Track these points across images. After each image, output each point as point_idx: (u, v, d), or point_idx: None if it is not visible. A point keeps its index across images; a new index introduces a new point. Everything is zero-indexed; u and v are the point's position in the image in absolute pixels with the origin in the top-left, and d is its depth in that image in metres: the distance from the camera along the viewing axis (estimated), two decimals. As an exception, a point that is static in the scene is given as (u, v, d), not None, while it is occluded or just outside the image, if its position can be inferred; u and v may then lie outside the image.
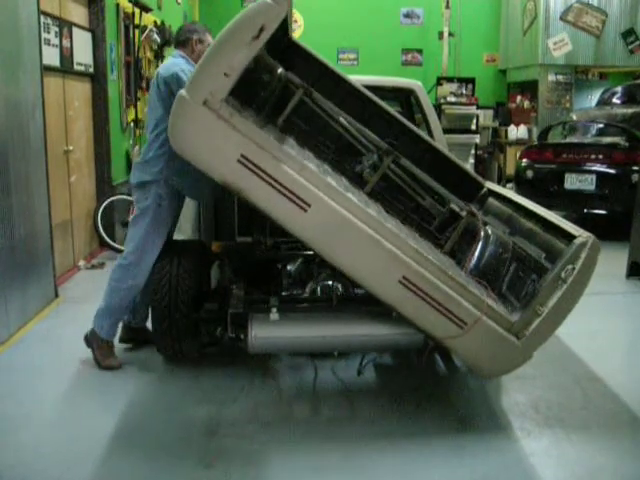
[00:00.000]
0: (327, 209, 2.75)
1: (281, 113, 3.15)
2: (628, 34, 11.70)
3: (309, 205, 2.72)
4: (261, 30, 2.62)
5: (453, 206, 3.66)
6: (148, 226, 3.67)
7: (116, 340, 3.95)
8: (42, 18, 5.04)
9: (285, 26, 3.10)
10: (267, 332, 3.27)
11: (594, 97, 11.48)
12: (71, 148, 5.96)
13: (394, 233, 2.83)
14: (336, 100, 3.56)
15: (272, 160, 2.68)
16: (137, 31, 7.61)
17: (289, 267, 3.83)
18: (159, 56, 8.43)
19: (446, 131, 6.84)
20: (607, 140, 7.96)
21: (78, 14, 6.24)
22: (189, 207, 4.26)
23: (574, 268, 2.86)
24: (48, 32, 5.39)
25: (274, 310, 3.27)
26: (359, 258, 2.83)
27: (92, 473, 2.82)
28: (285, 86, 3.24)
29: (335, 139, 3.65)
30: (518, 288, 3.21)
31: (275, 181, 2.69)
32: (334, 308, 3.47)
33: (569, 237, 3.01)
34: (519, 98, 12.53)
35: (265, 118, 3.08)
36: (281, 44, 3.42)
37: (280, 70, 3.21)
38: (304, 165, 2.75)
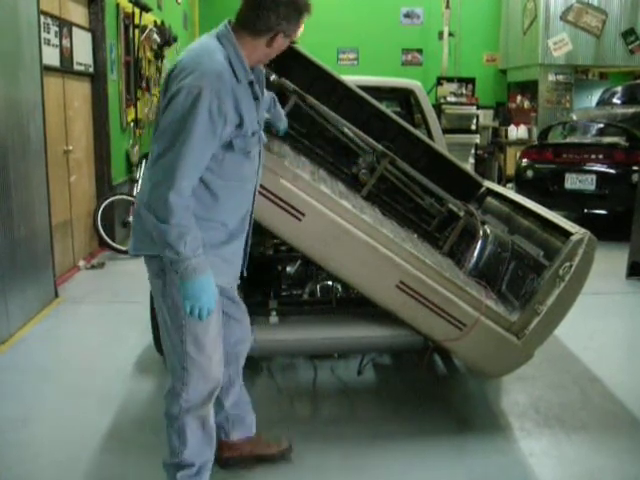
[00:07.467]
0: (321, 217, 2.74)
1: None
2: (628, 34, 11.70)
3: (303, 214, 2.73)
4: None
5: (451, 206, 3.66)
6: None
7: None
8: (42, 18, 5.04)
9: None
10: (267, 335, 3.26)
11: (594, 97, 11.48)
12: (71, 148, 5.96)
13: (390, 238, 2.83)
14: (333, 103, 3.55)
15: (265, 172, 2.68)
16: (137, 31, 7.62)
17: (288, 268, 3.83)
18: (159, 56, 8.43)
19: (446, 131, 6.85)
20: (607, 140, 7.95)
21: (78, 14, 6.24)
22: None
23: (571, 265, 2.86)
24: (48, 32, 5.38)
25: (274, 313, 3.27)
26: (355, 265, 2.83)
27: (91, 472, 2.82)
28: (279, 92, 3.24)
29: (331, 143, 3.64)
30: (518, 287, 3.21)
31: (268, 192, 2.69)
32: (334, 310, 3.47)
33: (566, 234, 3.01)
34: (519, 98, 12.53)
35: None
36: None
37: (273, 77, 3.22)
38: (297, 174, 2.75)
